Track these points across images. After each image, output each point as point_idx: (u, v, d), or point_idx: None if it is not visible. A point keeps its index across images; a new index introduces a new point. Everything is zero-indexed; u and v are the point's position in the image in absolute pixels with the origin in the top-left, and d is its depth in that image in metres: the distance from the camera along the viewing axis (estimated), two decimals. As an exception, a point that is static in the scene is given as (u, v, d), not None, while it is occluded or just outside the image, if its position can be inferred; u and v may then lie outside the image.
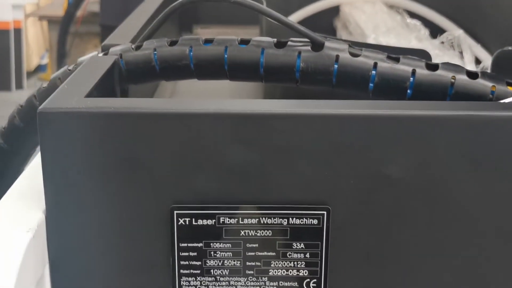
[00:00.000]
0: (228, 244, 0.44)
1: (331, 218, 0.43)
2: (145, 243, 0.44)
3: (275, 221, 0.44)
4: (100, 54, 0.55)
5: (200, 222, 0.44)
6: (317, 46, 0.50)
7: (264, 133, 0.42)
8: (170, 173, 0.43)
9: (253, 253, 0.44)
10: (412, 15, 1.15)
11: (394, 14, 1.14)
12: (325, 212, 0.43)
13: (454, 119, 0.42)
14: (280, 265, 0.45)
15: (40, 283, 0.43)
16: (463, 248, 0.44)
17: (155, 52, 0.52)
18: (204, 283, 0.45)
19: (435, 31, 1.09)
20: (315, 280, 0.45)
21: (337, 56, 0.49)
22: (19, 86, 3.80)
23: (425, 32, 1.09)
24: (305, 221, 0.44)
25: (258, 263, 0.45)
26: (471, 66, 0.97)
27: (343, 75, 0.49)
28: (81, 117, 0.41)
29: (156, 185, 0.43)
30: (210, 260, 0.44)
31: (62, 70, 0.56)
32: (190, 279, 0.45)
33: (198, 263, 0.44)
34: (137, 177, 0.42)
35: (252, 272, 0.45)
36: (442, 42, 1.03)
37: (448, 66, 0.49)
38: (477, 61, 1.01)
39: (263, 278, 0.45)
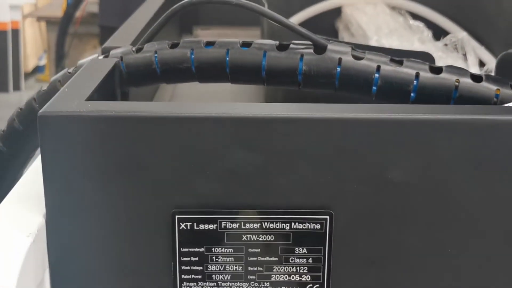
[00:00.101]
0: (230, 249, 0.44)
1: (334, 223, 0.43)
2: (146, 248, 0.44)
3: (277, 225, 0.43)
4: (101, 57, 0.54)
5: (201, 226, 0.43)
6: (319, 48, 0.50)
7: (266, 137, 0.42)
8: (171, 177, 0.42)
9: (255, 258, 0.44)
10: (415, 16, 1.14)
11: (396, 16, 1.14)
12: (328, 217, 0.43)
13: (458, 123, 0.42)
14: (282, 270, 0.44)
15: (41, 287, 0.43)
16: (467, 253, 0.44)
17: (156, 55, 0.51)
18: (205, 288, 0.45)
19: (438, 33, 1.08)
20: (317, 285, 0.44)
21: (340, 59, 0.49)
22: (17, 87, 3.79)
23: (428, 34, 1.08)
24: (308, 225, 0.43)
25: (260, 268, 0.44)
26: (475, 69, 0.96)
27: (346, 78, 0.49)
28: (82, 121, 0.41)
29: (157, 189, 0.42)
30: (211, 265, 0.44)
31: (62, 72, 0.56)
32: (191, 284, 0.44)
33: (200, 268, 0.44)
34: (138, 181, 0.42)
35: (254, 277, 0.44)
36: (446, 44, 1.02)
37: (452, 69, 0.49)
38: (481, 64, 1.00)
39: (265, 283, 0.45)
